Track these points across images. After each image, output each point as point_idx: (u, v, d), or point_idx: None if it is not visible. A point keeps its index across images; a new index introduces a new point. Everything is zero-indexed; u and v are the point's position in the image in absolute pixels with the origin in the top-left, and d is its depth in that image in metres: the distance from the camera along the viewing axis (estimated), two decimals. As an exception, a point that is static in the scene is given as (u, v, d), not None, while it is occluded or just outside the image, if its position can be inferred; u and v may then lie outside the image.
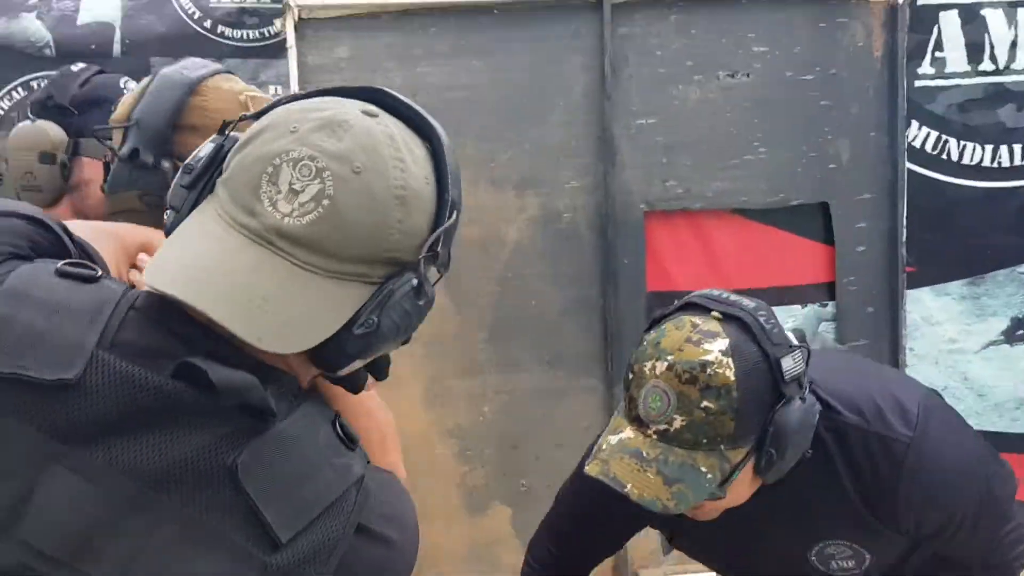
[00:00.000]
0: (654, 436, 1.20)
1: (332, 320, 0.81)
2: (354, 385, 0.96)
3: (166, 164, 1.20)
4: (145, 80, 1.33)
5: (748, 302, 1.28)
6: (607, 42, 3.10)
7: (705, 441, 1.19)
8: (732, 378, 1.18)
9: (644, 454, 1.19)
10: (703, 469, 1.18)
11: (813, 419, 1.25)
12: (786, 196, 3.26)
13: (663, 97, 3.18)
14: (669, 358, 1.21)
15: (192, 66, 1.29)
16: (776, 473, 1.26)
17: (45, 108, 1.75)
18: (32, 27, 3.03)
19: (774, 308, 3.15)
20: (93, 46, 3.06)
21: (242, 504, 0.76)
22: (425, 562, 1.72)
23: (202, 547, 0.75)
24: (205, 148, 0.89)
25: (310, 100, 0.89)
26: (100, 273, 0.85)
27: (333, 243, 0.81)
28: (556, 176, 3.19)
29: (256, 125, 0.87)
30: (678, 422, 1.19)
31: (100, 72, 1.85)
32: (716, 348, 1.20)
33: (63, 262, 0.85)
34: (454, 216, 0.87)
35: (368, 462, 0.86)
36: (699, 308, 1.27)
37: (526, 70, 3.14)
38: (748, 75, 3.20)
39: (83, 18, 3.05)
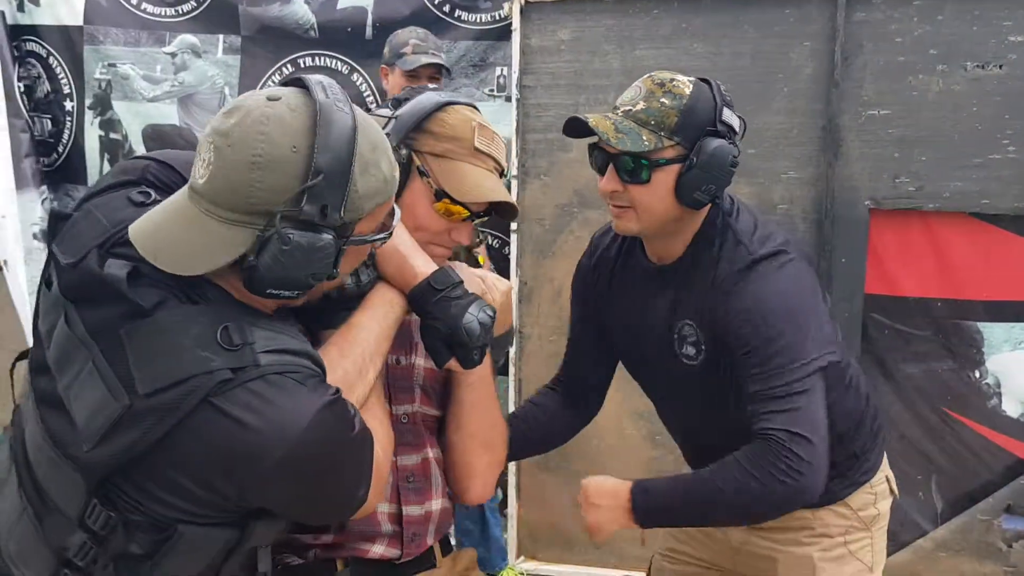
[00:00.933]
0: (621, 112, 1.60)
1: (218, 253, 1.10)
2: (437, 360, 1.36)
3: (403, 151, 1.42)
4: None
5: (721, 84, 1.64)
6: (840, 27, 2.95)
7: (653, 123, 1.57)
8: (687, 92, 1.58)
9: (609, 116, 1.59)
10: (643, 137, 1.56)
11: (729, 160, 1.57)
12: (1036, 201, 2.93)
13: (900, 87, 2.97)
14: (651, 74, 1.64)
15: (449, 95, 1.53)
16: (688, 194, 1.56)
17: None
18: (300, 11, 3.40)
19: (1014, 324, 2.97)
20: (349, 29, 3.38)
21: (124, 361, 1.09)
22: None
23: (99, 381, 1.09)
24: None
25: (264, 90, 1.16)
26: (152, 199, 1.21)
27: (218, 196, 1.09)
28: (774, 165, 3.08)
29: None
30: (640, 105, 1.58)
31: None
32: (686, 77, 1.62)
33: (137, 190, 1.23)
34: (318, 177, 1.09)
35: (271, 368, 1.11)
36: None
37: (749, 55, 3.06)
38: (1001, 66, 2.90)
39: (341, 3, 3.38)
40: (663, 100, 1.56)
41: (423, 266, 1.36)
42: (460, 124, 1.43)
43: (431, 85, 2.67)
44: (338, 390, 1.17)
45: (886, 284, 3.09)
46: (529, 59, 3.17)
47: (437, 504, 1.47)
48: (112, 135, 3.51)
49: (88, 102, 3.52)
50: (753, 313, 1.55)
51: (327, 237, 1.11)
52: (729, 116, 1.58)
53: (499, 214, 1.48)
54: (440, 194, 1.40)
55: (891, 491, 1.86)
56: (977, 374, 3.09)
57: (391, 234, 1.24)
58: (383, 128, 1.36)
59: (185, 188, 1.14)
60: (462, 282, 1.36)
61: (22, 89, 3.59)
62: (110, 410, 1.08)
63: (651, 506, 1.60)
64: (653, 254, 1.71)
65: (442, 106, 1.44)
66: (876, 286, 3.08)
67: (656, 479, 1.68)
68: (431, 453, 1.48)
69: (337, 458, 1.17)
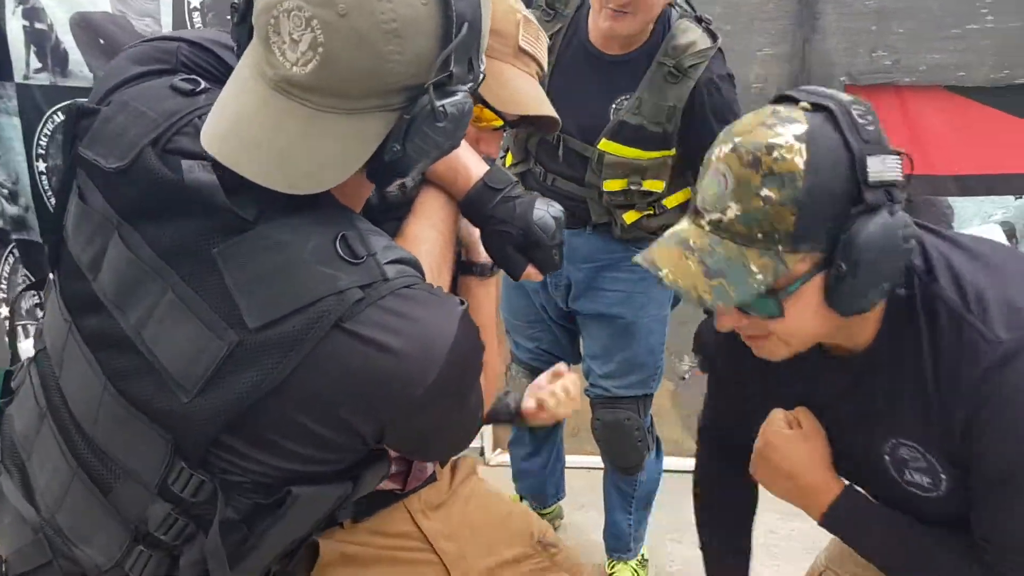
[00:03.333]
0: (707, 226, 1.08)
1: (356, 155, 0.91)
2: (514, 271, 1.18)
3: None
4: None
5: (846, 97, 1.09)
6: None
7: (760, 236, 1.04)
8: (801, 166, 1.02)
9: (691, 243, 1.08)
10: (753, 267, 1.04)
11: (901, 241, 1.05)
12: (1012, 73, 2.88)
13: (878, -44, 2.86)
14: (736, 140, 1.07)
15: None
16: (850, 302, 1.07)
17: None
18: None
19: (984, 199, 2.98)
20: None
21: (222, 288, 0.91)
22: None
23: (189, 316, 0.91)
24: None
25: None
26: (202, 87, 1.00)
27: (339, 85, 0.87)
28: (748, 42, 2.97)
29: None
30: (732, 210, 1.05)
31: None
32: (790, 132, 1.04)
33: (180, 77, 1.01)
34: (464, 29, 0.89)
35: (401, 280, 0.94)
36: (790, 99, 1.11)
37: (723, -77, 2.91)
38: (981, -69, 2.81)
39: None
40: (766, 193, 1.03)
41: (475, 166, 1.17)
42: (504, 16, 1.24)
43: None
44: (463, 300, 1.00)
45: (860, 162, 3.06)
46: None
47: None
48: (37, 25, 3.21)
49: (7, -12, 3.21)
50: (1009, 439, 1.08)
51: (465, 93, 0.93)
52: (879, 169, 1.05)
53: (539, 127, 1.32)
54: (475, 97, 1.22)
55: None
56: (946, 249, 3.12)
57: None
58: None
59: (261, 83, 0.90)
60: (517, 180, 1.19)
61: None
62: (213, 349, 0.90)
63: (851, 517, 1.25)
64: (828, 342, 1.23)
65: None
66: (850, 164, 3.05)
67: (871, 500, 1.29)
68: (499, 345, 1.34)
69: (478, 370, 1.03)
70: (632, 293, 2.34)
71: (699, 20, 2.17)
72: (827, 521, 1.27)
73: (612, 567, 2.77)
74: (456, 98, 0.91)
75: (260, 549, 1.00)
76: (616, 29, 2.02)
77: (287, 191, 0.89)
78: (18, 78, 3.29)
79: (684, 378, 2.63)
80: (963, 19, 2.86)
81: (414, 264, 0.98)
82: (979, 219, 3.08)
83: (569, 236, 2.21)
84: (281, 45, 0.87)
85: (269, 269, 0.90)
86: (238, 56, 0.96)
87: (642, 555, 2.81)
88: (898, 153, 1.09)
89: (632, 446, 2.45)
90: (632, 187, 2.15)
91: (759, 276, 1.05)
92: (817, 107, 1.07)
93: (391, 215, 1.16)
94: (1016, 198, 3.04)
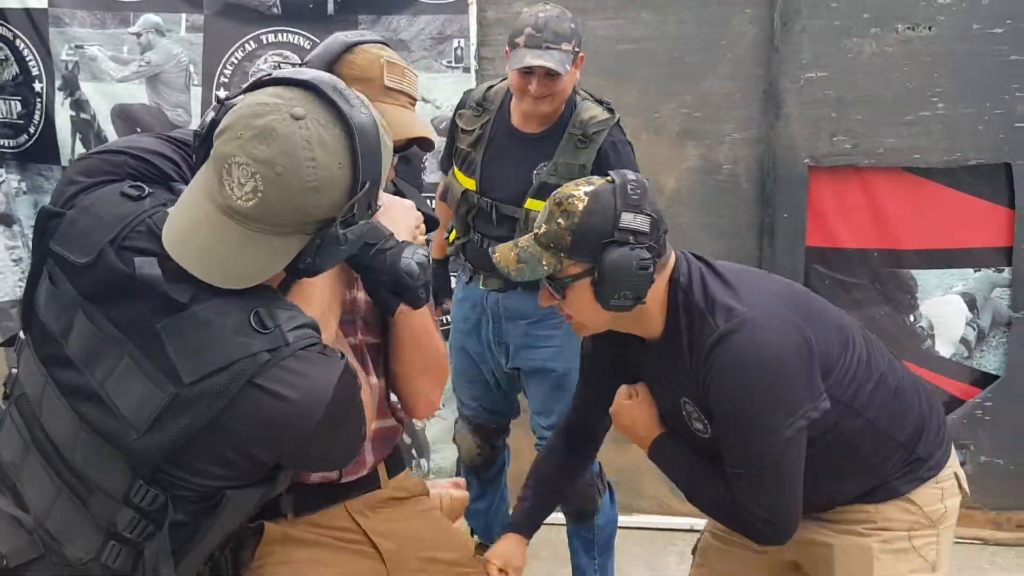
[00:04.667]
0: (532, 236, 1.64)
1: (276, 263, 1.20)
2: (387, 309, 1.48)
3: None
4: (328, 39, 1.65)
5: (634, 176, 1.62)
6: (779, -6, 3.11)
7: (552, 246, 1.59)
8: (580, 208, 1.57)
9: (519, 243, 1.65)
10: (543, 262, 1.60)
11: (636, 265, 1.55)
12: (964, 155, 3.13)
13: (836, 50, 3.15)
14: (559, 190, 1.64)
15: (357, 34, 1.56)
16: (605, 301, 1.58)
17: None
18: (263, -12, 3.48)
19: (945, 271, 3.17)
20: (311, 5, 3.47)
21: (164, 353, 1.17)
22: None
23: (139, 374, 1.18)
24: (208, 117, 1.22)
25: (264, 96, 1.18)
26: (147, 192, 1.26)
27: (270, 218, 1.16)
28: (718, 128, 3.25)
29: (223, 122, 1.18)
30: (543, 228, 1.61)
31: None
32: (582, 189, 1.60)
33: (129, 184, 1.27)
34: (367, 186, 1.18)
35: (299, 343, 1.20)
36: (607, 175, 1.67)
37: (693, 23, 3.22)
38: (930, 28, 3.10)
39: (303, -21, 3.46)
40: (559, 221, 1.58)
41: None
42: (368, 64, 1.49)
43: None
44: (343, 354, 1.27)
45: (826, 237, 3.29)
46: (486, 31, 3.30)
47: (374, 424, 1.55)
48: (82, 115, 3.59)
49: (57, 83, 3.59)
50: (722, 390, 1.59)
51: (365, 223, 1.22)
52: (629, 221, 1.55)
53: (420, 146, 1.57)
54: None
55: (960, 488, 1.81)
56: (912, 318, 3.31)
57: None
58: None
59: (211, 207, 1.17)
60: (392, 234, 1.43)
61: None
62: (157, 400, 1.15)
63: (662, 458, 1.79)
64: (640, 334, 1.73)
65: (349, 47, 1.50)
66: (817, 239, 3.28)
67: (679, 445, 1.77)
68: (373, 380, 1.57)
69: (356, 407, 1.30)
70: (564, 348, 2.63)
71: (600, 101, 2.61)
72: (650, 455, 1.81)
73: None
74: (356, 227, 1.20)
75: (203, 541, 1.27)
76: (539, 108, 2.51)
77: (226, 286, 1.18)
78: (64, 162, 3.66)
79: None
80: (916, 106, 3.13)
81: (312, 326, 1.24)
82: (941, 290, 3.28)
83: (503, 298, 2.67)
84: (231, 184, 1.14)
85: (200, 339, 1.17)
86: (193, 164, 1.25)
87: None
88: (651, 216, 1.58)
89: (584, 493, 2.65)
90: None
91: (544, 266, 1.60)
92: (612, 180, 1.62)
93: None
94: (975, 271, 3.24)
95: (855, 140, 3.18)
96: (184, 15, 3.50)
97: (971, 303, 3.26)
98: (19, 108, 3.67)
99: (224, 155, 1.15)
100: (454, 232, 2.76)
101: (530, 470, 2.01)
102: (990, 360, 3.29)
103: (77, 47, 3.54)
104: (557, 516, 2.89)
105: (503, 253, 1.64)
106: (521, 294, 2.64)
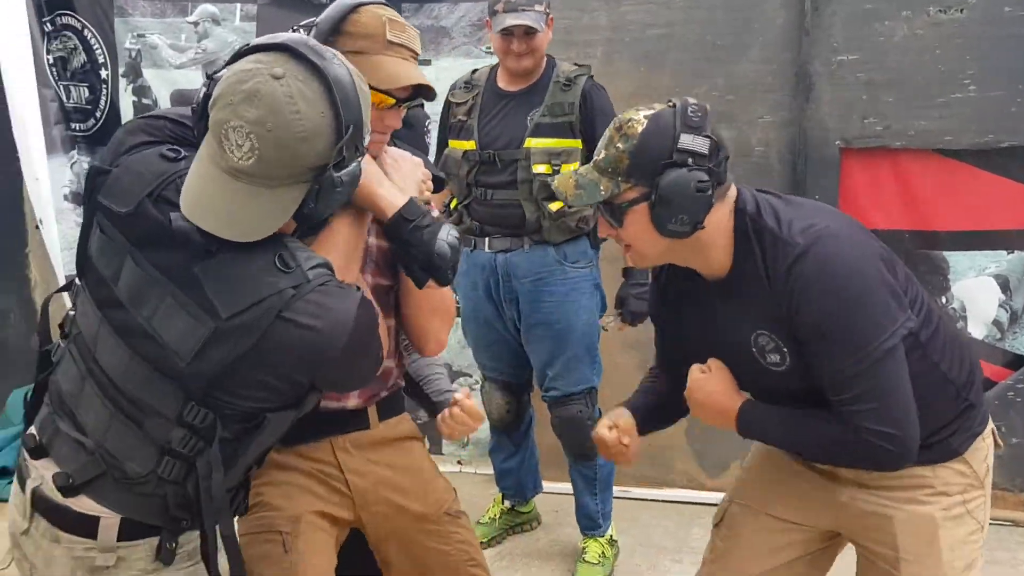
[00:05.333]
0: (592, 163, 1.63)
1: (283, 213, 1.33)
2: (417, 281, 1.60)
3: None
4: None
5: (692, 100, 1.59)
6: (809, -23, 3.16)
7: (610, 170, 1.58)
8: (639, 131, 1.56)
9: (579, 171, 1.65)
10: (600, 187, 1.59)
11: (694, 187, 1.53)
12: (996, 137, 3.14)
13: (867, 33, 3.18)
14: (621, 114, 1.62)
15: None
16: (662, 226, 1.56)
17: None
18: (312, -22, 3.64)
19: (977, 252, 3.18)
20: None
21: (203, 293, 1.32)
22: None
23: (182, 312, 1.33)
24: (200, 92, 1.35)
25: (246, 63, 1.31)
26: (182, 155, 1.39)
27: (270, 171, 1.29)
28: (750, 111, 3.31)
29: (215, 93, 1.30)
30: (602, 154, 1.60)
31: None
32: (643, 113, 1.59)
33: (167, 147, 1.41)
34: (350, 129, 1.31)
35: (318, 280, 1.34)
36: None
37: (725, 7, 3.28)
38: (961, 10, 3.11)
39: (349, -31, 3.61)
40: (618, 145, 1.56)
41: (394, 199, 1.55)
42: (372, 22, 1.59)
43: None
44: (360, 288, 1.41)
45: (857, 218, 3.28)
46: (521, 17, 3.40)
47: None
48: (144, 100, 3.81)
49: (121, 70, 3.82)
50: (814, 305, 1.53)
51: (357, 163, 1.35)
52: (689, 142, 1.52)
53: (422, 96, 1.66)
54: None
55: (996, 443, 1.78)
56: (944, 300, 3.33)
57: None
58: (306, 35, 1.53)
59: (217, 171, 1.30)
60: (429, 211, 1.58)
61: (51, 60, 3.89)
62: (200, 332, 1.30)
63: (754, 426, 1.68)
64: (702, 271, 1.68)
65: (354, 7, 1.59)
66: (848, 220, 3.31)
67: (767, 405, 1.69)
68: (388, 321, 1.71)
69: (375, 332, 1.43)
70: (564, 302, 2.86)
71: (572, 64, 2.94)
72: (740, 427, 1.69)
73: (585, 543, 3.11)
74: (348, 169, 1.32)
75: (245, 455, 1.42)
76: (521, 63, 2.82)
77: (239, 239, 1.32)
78: (128, 145, 3.88)
79: (606, 329, 2.95)
80: (947, 89, 3.15)
81: (327, 266, 1.38)
82: (973, 271, 3.29)
83: (511, 257, 2.87)
84: (230, 147, 1.28)
85: (233, 279, 1.32)
86: (196, 137, 1.38)
87: (610, 536, 3.12)
88: (710, 138, 1.55)
89: (587, 435, 2.77)
90: (555, 168, 2.78)
91: (602, 191, 1.59)
92: (672, 103, 1.59)
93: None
94: (1008, 252, 3.25)
95: (886, 122, 3.21)
96: (239, 5, 3.69)
97: (1004, 285, 3.27)
98: (87, 94, 3.91)
99: (219, 122, 1.29)
100: (454, 201, 2.96)
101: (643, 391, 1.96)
102: (1023, 342, 3.29)
103: (139, 36, 3.76)
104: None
105: (562, 180, 1.64)
106: (527, 252, 2.86)
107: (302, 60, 1.30)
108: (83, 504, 1.41)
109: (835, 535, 1.84)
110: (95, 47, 3.84)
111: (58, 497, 1.42)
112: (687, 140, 1.52)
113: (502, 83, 2.92)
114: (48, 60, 3.89)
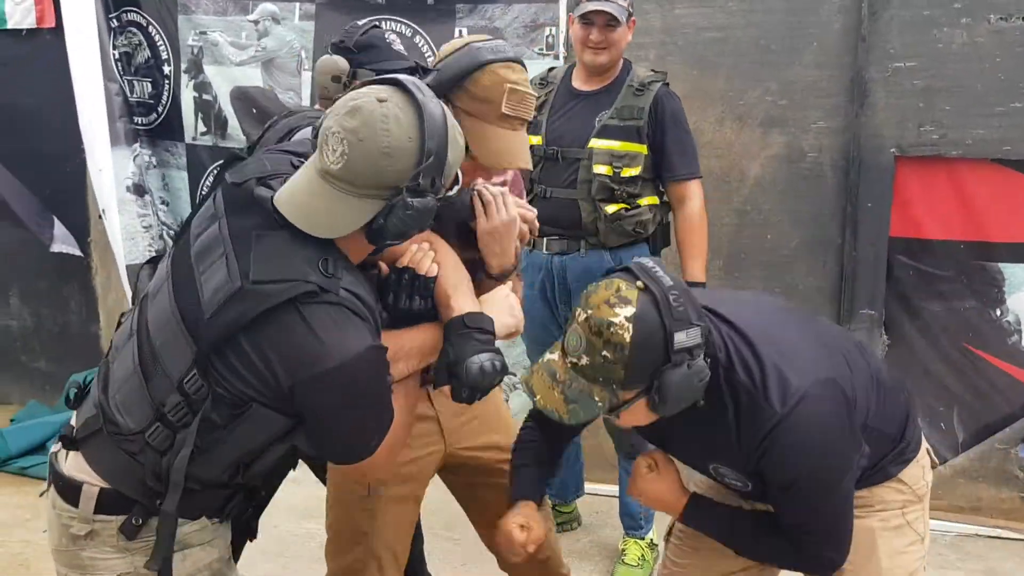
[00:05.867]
0: (569, 364, 1.53)
1: (354, 220, 1.41)
2: (437, 376, 1.57)
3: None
4: (460, 42, 1.74)
5: (668, 280, 1.53)
6: (867, -17, 3.13)
7: (601, 379, 1.50)
8: (628, 339, 1.47)
9: (557, 375, 1.55)
10: (595, 398, 1.52)
11: (696, 381, 1.52)
12: (1057, 148, 3.08)
13: (924, 40, 3.14)
14: (589, 311, 1.51)
15: (494, 49, 1.69)
16: (668, 412, 1.56)
17: (338, 48, 2.47)
18: (370, -21, 3.70)
19: (1031, 264, 3.13)
20: (416, -7, 3.67)
21: (247, 256, 1.40)
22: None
23: (224, 268, 1.41)
24: (317, 124, 1.46)
25: (361, 90, 1.43)
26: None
27: (354, 178, 1.38)
28: (803, 116, 3.28)
29: (328, 111, 1.43)
30: (584, 360, 1.50)
31: (374, 27, 2.50)
32: (623, 314, 1.48)
33: (297, 159, 1.53)
34: (431, 159, 1.38)
35: (347, 302, 1.40)
36: (631, 274, 1.55)
37: (781, 11, 3.26)
38: (1023, 18, 3.05)
39: (408, -29, 3.66)
40: (604, 354, 1.48)
41: (463, 304, 1.57)
42: (493, 88, 1.65)
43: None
44: (385, 347, 1.44)
45: (911, 227, 3.28)
46: (576, 20, 3.42)
47: None
48: (204, 96, 3.91)
49: (183, 66, 3.92)
50: (785, 469, 1.59)
51: (432, 200, 1.41)
52: (683, 339, 1.49)
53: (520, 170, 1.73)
54: (468, 148, 1.61)
55: (932, 462, 1.89)
56: (998, 312, 3.27)
57: (460, 184, 1.51)
58: (425, 80, 1.60)
59: (313, 171, 1.42)
60: (493, 334, 1.57)
61: (116, 56, 4.01)
62: (227, 289, 1.38)
63: (698, 524, 1.80)
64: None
65: (481, 65, 1.65)
66: (901, 229, 3.27)
67: (713, 504, 1.79)
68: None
69: (369, 394, 1.43)
70: None
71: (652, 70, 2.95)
72: (685, 520, 1.81)
73: (624, 545, 3.11)
74: (422, 199, 1.39)
75: (226, 445, 1.44)
76: (597, 58, 2.82)
77: (308, 231, 1.40)
78: (187, 139, 3.99)
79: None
80: (1007, 98, 3.09)
81: (364, 302, 1.42)
82: (1030, 284, 3.23)
83: (567, 261, 2.88)
84: (327, 151, 1.39)
85: (276, 252, 1.40)
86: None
87: (651, 539, 3.11)
88: (698, 325, 1.52)
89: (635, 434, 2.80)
90: (616, 170, 2.79)
91: (599, 404, 1.53)
92: (647, 289, 1.51)
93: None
94: (1066, 265, 3.18)
95: (943, 131, 3.16)
96: (298, 4, 3.77)
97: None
98: (150, 89, 4.02)
99: (324, 129, 1.42)
100: None
101: (517, 444, 1.97)
102: (1079, 357, 3.22)
103: (201, 33, 3.86)
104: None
105: (545, 395, 1.55)
106: (583, 256, 2.87)
107: (405, 92, 1.42)
108: (74, 465, 1.51)
109: None
110: (159, 43, 3.95)
111: (61, 462, 1.53)
112: (681, 338, 1.48)
113: (576, 82, 2.93)
114: (114, 55, 4.01)
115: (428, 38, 3.66)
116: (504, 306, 1.67)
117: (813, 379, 1.59)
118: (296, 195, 1.42)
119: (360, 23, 2.60)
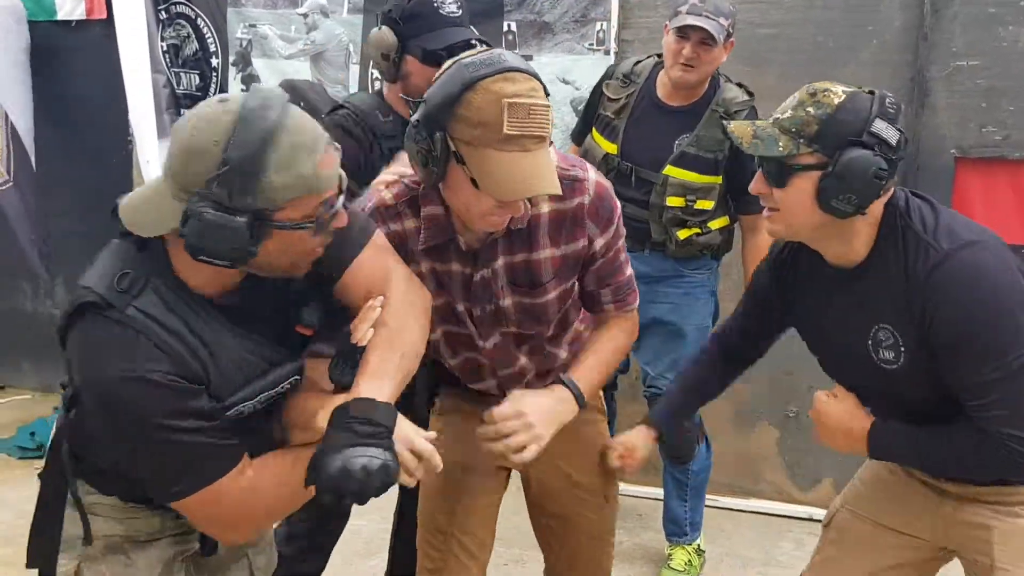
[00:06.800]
0: (772, 120, 1.62)
1: (164, 222, 1.32)
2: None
3: (437, 137, 1.42)
4: (447, 64, 1.49)
5: (892, 94, 1.59)
6: (931, -21, 3.05)
7: (793, 131, 1.57)
8: (835, 102, 1.55)
9: (756, 123, 1.65)
10: (779, 143, 1.58)
11: (873, 174, 1.53)
12: (1125, 150, 2.98)
13: (989, 38, 3.05)
14: (816, 83, 1.61)
15: (485, 61, 1.43)
16: (827, 201, 1.56)
17: (386, 18, 2.33)
18: (418, -28, 3.67)
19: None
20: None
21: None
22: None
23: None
24: None
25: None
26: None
27: (172, 175, 1.32)
28: (861, 115, 3.20)
29: None
30: (788, 113, 1.59)
31: None
32: (841, 88, 1.58)
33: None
34: (225, 168, 1.26)
35: (124, 317, 1.33)
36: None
37: (841, 7, 3.19)
38: (1093, 16, 2.96)
39: (455, -37, 3.62)
40: (809, 109, 1.56)
41: (366, 390, 1.38)
42: (488, 107, 1.39)
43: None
44: (173, 379, 1.31)
45: (970, 230, 3.19)
46: (627, 14, 3.37)
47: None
48: (252, 88, 3.91)
49: (231, 59, 3.92)
50: (956, 311, 1.54)
51: (239, 219, 1.28)
52: (881, 128, 1.53)
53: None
54: (475, 182, 1.43)
55: None
56: (1059, 319, 3.17)
57: (320, 225, 1.34)
58: (414, 116, 1.45)
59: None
60: (388, 430, 1.35)
61: (164, 48, 4.03)
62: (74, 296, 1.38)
63: (884, 444, 1.70)
64: (831, 258, 1.69)
65: (471, 84, 1.40)
66: (960, 232, 3.18)
67: (896, 424, 1.70)
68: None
69: (132, 425, 1.32)
70: (680, 304, 2.80)
71: (739, 85, 2.76)
72: (871, 448, 1.71)
73: (671, 550, 3.05)
74: (219, 214, 1.27)
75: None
76: (686, 76, 2.64)
77: (127, 226, 1.35)
78: (234, 132, 3.98)
79: (790, 415, 2.84)
80: (1073, 98, 3.00)
81: (169, 329, 1.34)
82: (1094, 291, 3.12)
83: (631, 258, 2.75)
84: None
85: (99, 260, 1.40)
86: None
87: (698, 545, 3.05)
88: (901, 131, 1.56)
89: (687, 439, 2.73)
90: (689, 203, 2.70)
91: (780, 147, 1.58)
92: (870, 91, 1.60)
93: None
94: None
95: (1006, 132, 3.07)
96: (347, -3, 3.75)
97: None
98: (197, 81, 4.03)
99: None
100: None
101: (678, 374, 2.10)
102: None
103: (251, 26, 3.86)
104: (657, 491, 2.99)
105: (739, 127, 1.63)
106: (642, 256, 2.76)
107: (251, 98, 1.31)
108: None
109: (939, 556, 1.84)
110: (207, 36, 3.95)
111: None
112: (880, 126, 1.53)
113: (660, 92, 2.76)
114: (162, 47, 4.02)
115: (476, 32, 3.62)
116: (372, 386, 1.40)
117: (990, 238, 1.59)
118: (142, 191, 1.38)
119: None
